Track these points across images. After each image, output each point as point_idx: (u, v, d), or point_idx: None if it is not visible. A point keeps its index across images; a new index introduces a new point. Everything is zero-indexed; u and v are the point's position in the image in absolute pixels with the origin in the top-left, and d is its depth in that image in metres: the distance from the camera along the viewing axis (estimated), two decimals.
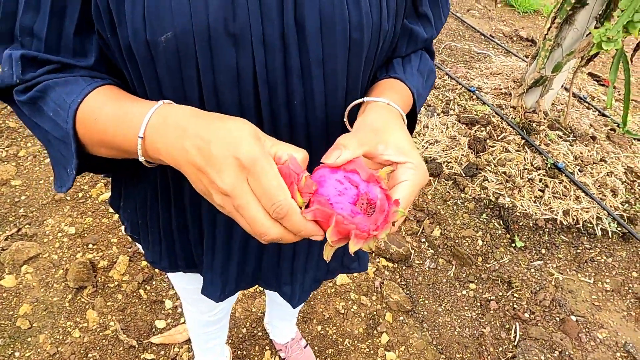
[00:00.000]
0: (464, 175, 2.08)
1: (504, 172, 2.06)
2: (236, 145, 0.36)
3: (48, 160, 2.03)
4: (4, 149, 2.05)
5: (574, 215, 1.92)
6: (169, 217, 0.65)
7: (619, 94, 2.93)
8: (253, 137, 0.36)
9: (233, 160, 0.36)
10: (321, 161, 0.40)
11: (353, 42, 0.46)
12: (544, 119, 2.32)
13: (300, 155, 0.37)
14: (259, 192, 0.35)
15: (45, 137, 0.51)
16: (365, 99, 0.51)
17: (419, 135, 2.27)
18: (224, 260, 0.66)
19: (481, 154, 2.15)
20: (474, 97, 2.50)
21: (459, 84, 2.59)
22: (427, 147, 2.20)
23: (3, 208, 1.80)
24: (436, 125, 2.30)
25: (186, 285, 0.86)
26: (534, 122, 2.29)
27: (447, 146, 2.19)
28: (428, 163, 2.12)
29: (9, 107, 2.26)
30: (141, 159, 0.44)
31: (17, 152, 2.05)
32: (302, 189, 0.35)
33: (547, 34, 2.05)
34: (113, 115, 0.44)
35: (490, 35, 3.38)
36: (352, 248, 0.36)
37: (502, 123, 2.30)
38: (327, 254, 0.38)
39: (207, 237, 0.63)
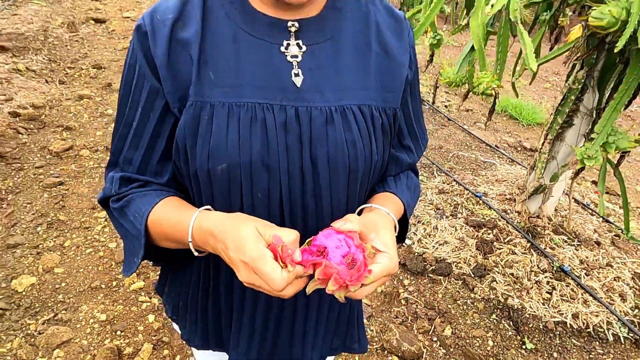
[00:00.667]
0: (472, 275, 2.17)
1: (512, 274, 2.15)
2: (242, 250, 0.55)
3: (89, 250, 2.24)
4: (52, 239, 2.28)
5: (584, 319, 1.95)
6: (206, 299, 0.82)
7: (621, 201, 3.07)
8: (254, 238, 0.55)
9: (241, 263, 0.55)
10: (331, 224, 0.58)
11: (351, 171, 0.66)
12: (548, 223, 2.45)
13: (291, 236, 0.56)
14: (264, 280, 0.54)
15: (125, 234, 0.72)
16: (373, 205, 0.70)
17: (429, 236, 2.41)
18: (248, 338, 0.80)
19: (489, 255, 2.26)
20: (481, 202, 2.68)
21: (466, 189, 2.80)
22: (437, 248, 2.33)
23: (44, 294, 1.97)
24: (445, 228, 2.45)
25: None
26: (539, 227, 2.42)
27: (456, 247, 2.32)
28: (438, 263, 2.24)
29: (60, 202, 2.55)
30: (195, 253, 0.65)
31: (63, 242, 2.28)
32: (282, 256, 0.52)
33: (541, 148, 2.29)
34: (172, 221, 0.66)
35: (496, 145, 3.67)
36: (329, 288, 0.51)
37: (507, 227, 2.45)
38: (310, 287, 0.54)
39: (236, 315, 0.78)
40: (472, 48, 1.79)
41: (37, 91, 3.71)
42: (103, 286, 2.04)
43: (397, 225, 0.71)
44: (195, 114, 0.63)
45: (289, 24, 0.65)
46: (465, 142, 3.68)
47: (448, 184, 2.89)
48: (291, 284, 0.54)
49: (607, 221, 2.65)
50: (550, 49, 2.51)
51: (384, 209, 0.69)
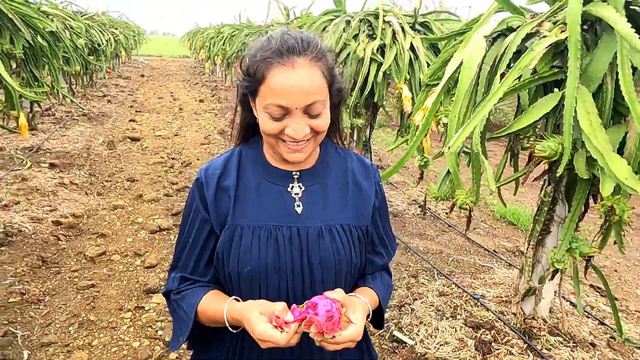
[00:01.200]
0: None
1: None
2: (252, 329, 0.84)
3: (114, 349, 2.43)
4: (82, 338, 2.49)
5: None
6: None
7: (620, 305, 3.18)
8: (257, 319, 0.84)
9: (255, 338, 0.83)
10: (324, 293, 0.86)
11: (337, 270, 0.96)
12: (544, 325, 2.59)
13: (280, 306, 0.84)
14: (274, 343, 0.81)
15: (178, 319, 1.01)
16: (355, 294, 0.99)
17: (431, 337, 2.56)
18: None
19: (487, 356, 2.38)
20: (479, 303, 2.85)
21: (465, 292, 2.99)
22: (438, 348, 2.46)
23: None
24: (445, 328, 2.60)
25: None
26: (535, 328, 2.56)
27: (456, 347, 2.45)
28: None
29: (91, 304, 2.80)
30: (233, 331, 0.94)
31: (91, 341, 2.48)
32: (277, 322, 0.80)
33: (526, 252, 2.54)
34: (213, 309, 0.96)
35: (494, 250, 3.90)
36: (311, 331, 0.78)
37: (505, 328, 2.59)
38: (300, 330, 0.80)
39: None
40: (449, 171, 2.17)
41: (78, 202, 4.18)
42: None
43: (371, 312, 0.99)
44: (230, 234, 0.97)
45: (293, 173, 1.02)
46: (464, 246, 3.93)
47: (448, 287, 3.09)
48: (292, 337, 0.81)
49: (602, 323, 2.76)
50: (527, 164, 2.91)
51: (362, 298, 0.97)
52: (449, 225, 4.38)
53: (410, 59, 3.69)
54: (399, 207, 4.69)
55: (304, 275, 0.95)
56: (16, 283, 2.86)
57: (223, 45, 10.14)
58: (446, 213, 4.78)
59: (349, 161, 1.08)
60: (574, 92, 1.63)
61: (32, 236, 3.43)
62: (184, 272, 1.03)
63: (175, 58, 26.00)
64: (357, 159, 1.10)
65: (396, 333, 2.62)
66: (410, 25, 3.97)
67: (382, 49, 3.85)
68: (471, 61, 1.90)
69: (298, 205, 0.99)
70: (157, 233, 3.79)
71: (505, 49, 1.94)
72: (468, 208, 1.97)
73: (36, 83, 4.10)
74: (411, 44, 3.72)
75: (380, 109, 4.44)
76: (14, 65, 3.77)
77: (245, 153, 1.04)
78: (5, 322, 2.52)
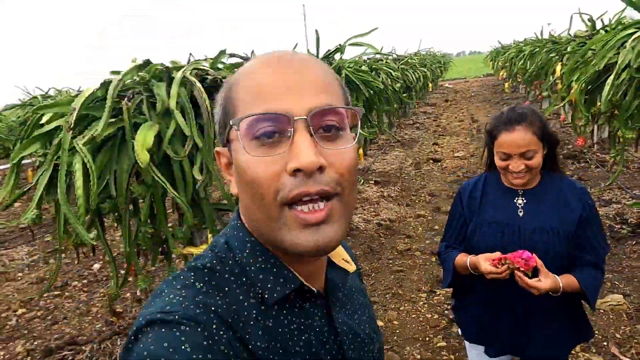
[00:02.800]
0: None
1: None
2: (481, 267, 1.49)
3: (413, 316, 3.38)
4: (394, 303, 3.58)
5: None
6: (484, 313, 1.72)
7: None
8: (485, 261, 1.48)
9: (482, 271, 1.50)
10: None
11: (545, 251, 1.48)
12: None
13: (495, 255, 1.47)
14: (494, 274, 1.47)
15: (445, 268, 1.79)
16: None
17: None
18: (501, 337, 1.65)
19: None
20: None
21: None
22: None
23: (386, 334, 3.20)
24: None
25: (476, 351, 1.82)
26: None
27: None
28: None
29: (399, 283, 3.89)
30: (473, 272, 1.62)
31: (399, 307, 3.52)
32: (493, 263, 1.44)
33: None
34: (463, 259, 1.66)
35: None
36: (514, 266, 1.39)
37: None
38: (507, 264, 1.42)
39: (494, 320, 1.65)
40: None
41: (393, 210, 5.54)
42: (420, 339, 3.10)
43: (562, 288, 1.46)
44: (476, 224, 1.65)
45: (519, 191, 1.61)
46: None
47: None
48: (503, 271, 1.42)
49: None
50: None
51: (557, 277, 1.46)
52: None
53: None
54: None
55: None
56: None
57: (523, 64, 10.15)
58: None
59: (561, 184, 1.58)
60: None
61: (364, 232, 4.92)
62: (448, 243, 1.78)
63: (478, 78, 26.72)
64: (569, 182, 1.59)
65: None
66: None
67: None
68: None
69: (520, 212, 1.58)
70: None
71: None
72: None
73: (368, 123, 5.73)
74: None
75: None
76: None
77: (490, 177, 1.72)
78: None
